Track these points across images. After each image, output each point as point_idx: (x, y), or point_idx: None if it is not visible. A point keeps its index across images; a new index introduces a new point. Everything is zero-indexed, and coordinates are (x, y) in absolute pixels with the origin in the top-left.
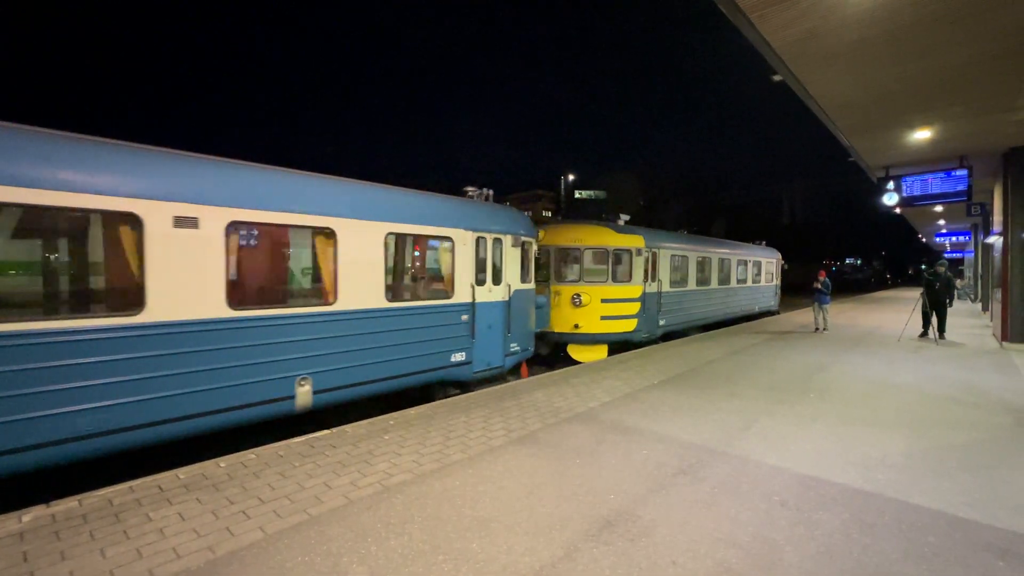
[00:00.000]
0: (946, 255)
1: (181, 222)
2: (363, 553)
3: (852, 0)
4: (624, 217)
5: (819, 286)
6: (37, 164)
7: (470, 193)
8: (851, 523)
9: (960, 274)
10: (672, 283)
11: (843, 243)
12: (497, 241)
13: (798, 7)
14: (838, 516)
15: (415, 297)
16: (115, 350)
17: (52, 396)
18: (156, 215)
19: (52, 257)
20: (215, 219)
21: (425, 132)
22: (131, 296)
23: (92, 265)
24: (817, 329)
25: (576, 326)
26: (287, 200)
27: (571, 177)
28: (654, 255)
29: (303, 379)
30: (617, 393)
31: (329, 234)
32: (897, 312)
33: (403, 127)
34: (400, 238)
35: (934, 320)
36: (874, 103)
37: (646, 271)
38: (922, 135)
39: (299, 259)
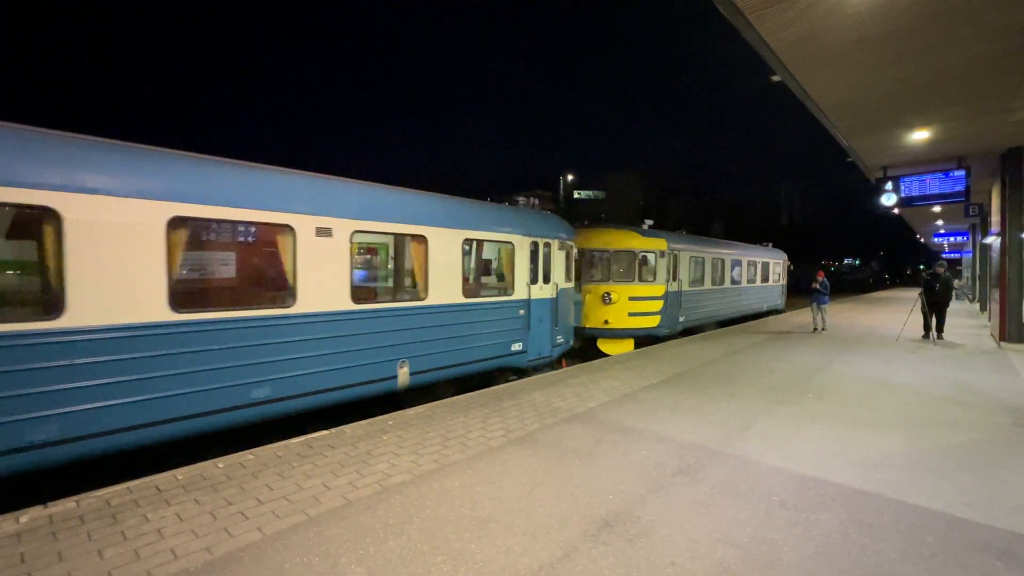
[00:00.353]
0: (944, 255)
1: (321, 232)
2: (361, 554)
3: (850, 1)
4: (648, 222)
5: (817, 286)
6: (243, 192)
7: (520, 201)
8: (850, 523)
9: (958, 274)
10: (691, 283)
11: (841, 243)
12: (547, 245)
13: (796, 8)
14: (837, 516)
15: (483, 294)
16: (278, 335)
17: (243, 370)
18: (305, 226)
19: (236, 261)
20: (343, 229)
21: (423, 131)
22: (287, 292)
23: (264, 267)
24: (816, 329)
25: (606, 322)
26: (393, 212)
27: (570, 177)
28: (675, 257)
29: (403, 363)
30: (616, 393)
31: (422, 240)
32: (895, 312)
33: (401, 126)
34: (473, 243)
35: (933, 321)
36: (872, 104)
37: (668, 272)
38: (920, 136)
39: (401, 261)
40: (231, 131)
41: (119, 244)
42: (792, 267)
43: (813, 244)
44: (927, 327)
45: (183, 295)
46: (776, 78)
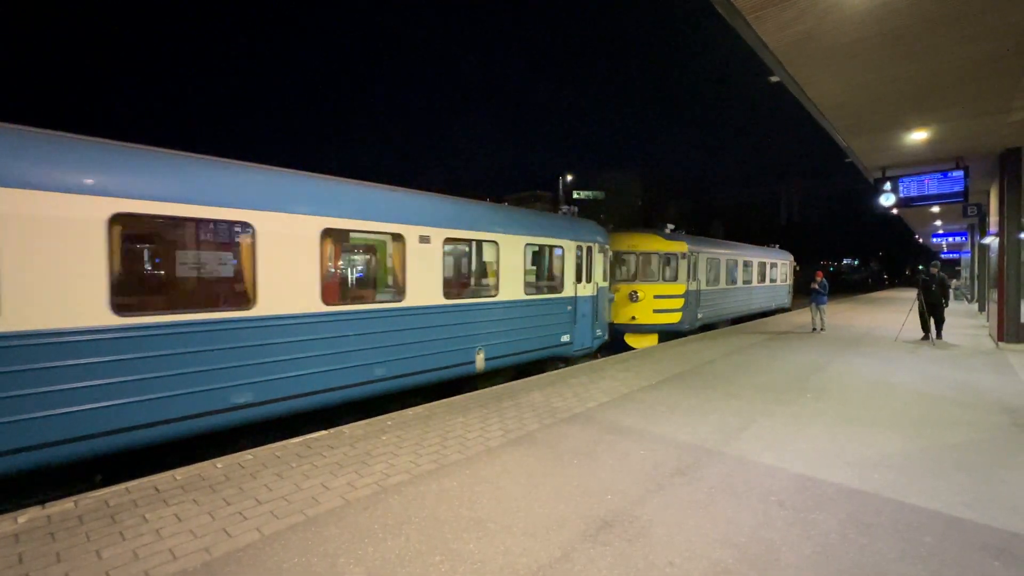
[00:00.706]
0: (943, 255)
1: (423, 239)
2: (360, 554)
3: (849, 2)
4: (669, 226)
5: (816, 287)
6: (378, 208)
7: (563, 210)
8: (848, 523)
9: (957, 275)
10: (708, 283)
11: (840, 243)
12: (589, 248)
13: (795, 8)
14: (835, 516)
15: (540, 291)
16: (394, 325)
17: (366, 353)
18: (411, 235)
19: (368, 263)
20: (438, 237)
21: (422, 131)
22: (400, 289)
23: (384, 269)
24: (814, 329)
25: (633, 318)
26: (472, 222)
27: (569, 177)
28: (695, 259)
29: (479, 350)
30: (615, 394)
31: (494, 244)
32: (894, 312)
33: (400, 126)
34: (532, 247)
35: (932, 322)
36: (871, 104)
37: (688, 272)
38: (919, 136)
39: (479, 262)
40: (231, 131)
41: (291, 252)
42: (799, 268)
43: (812, 244)
44: (926, 328)
45: (327, 292)
46: (775, 78)
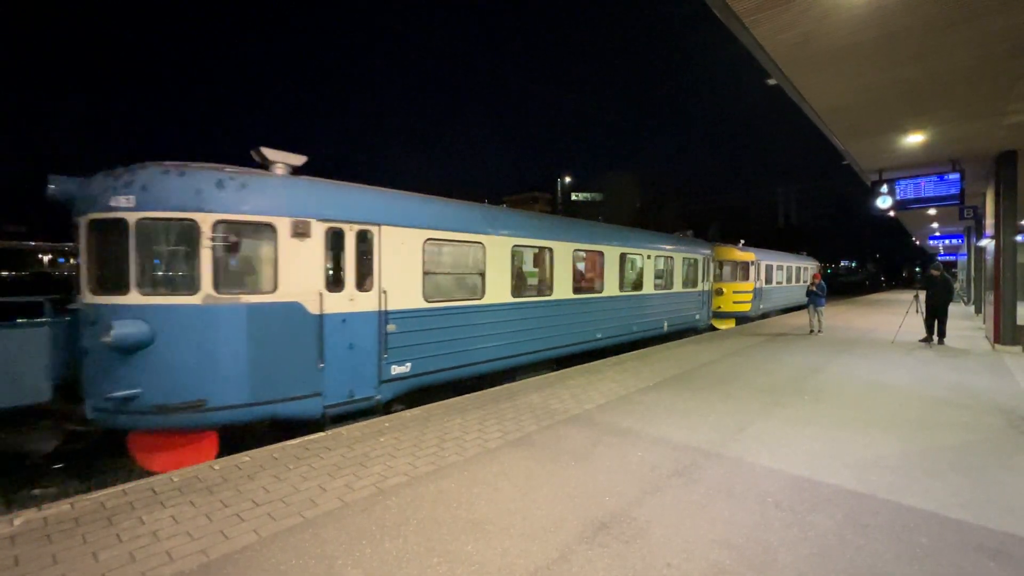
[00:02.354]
0: (940, 257)
1: (559, 249)
2: (358, 556)
3: (845, 5)
4: (742, 241)
5: (814, 288)
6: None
7: (689, 233)
8: (845, 524)
9: (954, 276)
10: (766, 282)
11: (838, 245)
12: (706, 259)
13: (791, 12)
14: (832, 517)
15: (684, 287)
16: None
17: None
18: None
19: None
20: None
21: (421, 133)
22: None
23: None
24: (812, 331)
25: (718, 307)
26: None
27: (567, 179)
28: (759, 265)
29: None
30: (612, 395)
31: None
32: (891, 314)
33: (400, 128)
34: (665, 259)
35: (935, 324)
36: (867, 107)
37: (755, 275)
38: (915, 139)
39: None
40: (228, 131)
41: (563, 261)
42: (824, 269)
43: (810, 246)
44: (930, 331)
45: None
46: (772, 81)
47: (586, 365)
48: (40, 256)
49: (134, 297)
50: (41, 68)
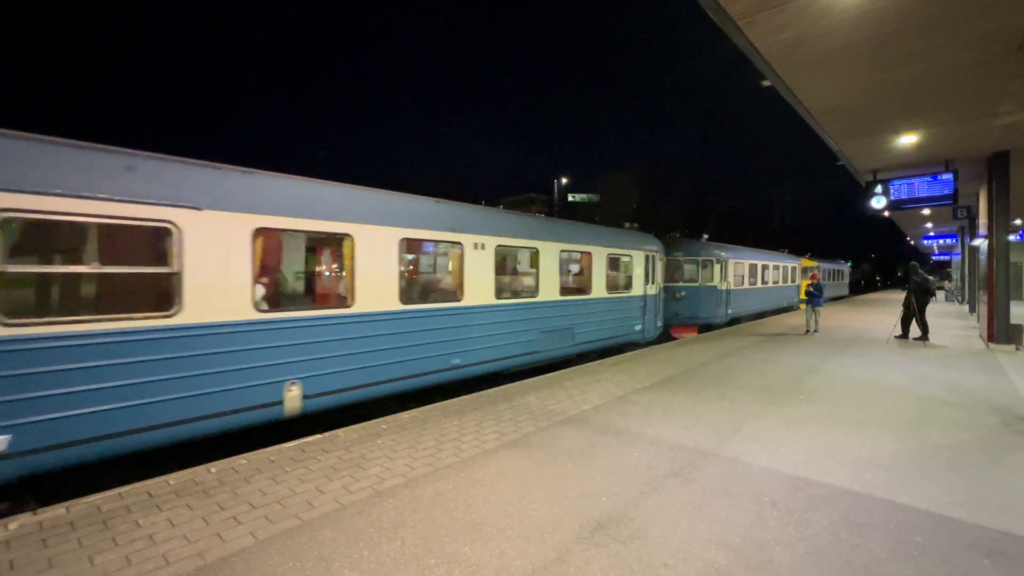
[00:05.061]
0: (934, 257)
1: (583, 254)
2: (355, 558)
3: (838, 7)
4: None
5: (812, 289)
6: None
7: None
8: (840, 523)
9: (948, 276)
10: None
11: (834, 245)
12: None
13: (785, 14)
14: (827, 516)
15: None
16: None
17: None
18: (599, 252)
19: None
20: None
21: (418, 133)
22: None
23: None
24: (808, 331)
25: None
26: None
27: (564, 180)
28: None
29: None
30: (609, 396)
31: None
32: (886, 314)
33: (395, 128)
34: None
35: (915, 322)
36: (861, 109)
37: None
38: (908, 140)
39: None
40: (225, 132)
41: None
42: (853, 268)
43: (806, 246)
44: (905, 328)
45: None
46: (767, 83)
47: (584, 366)
48: None
49: None
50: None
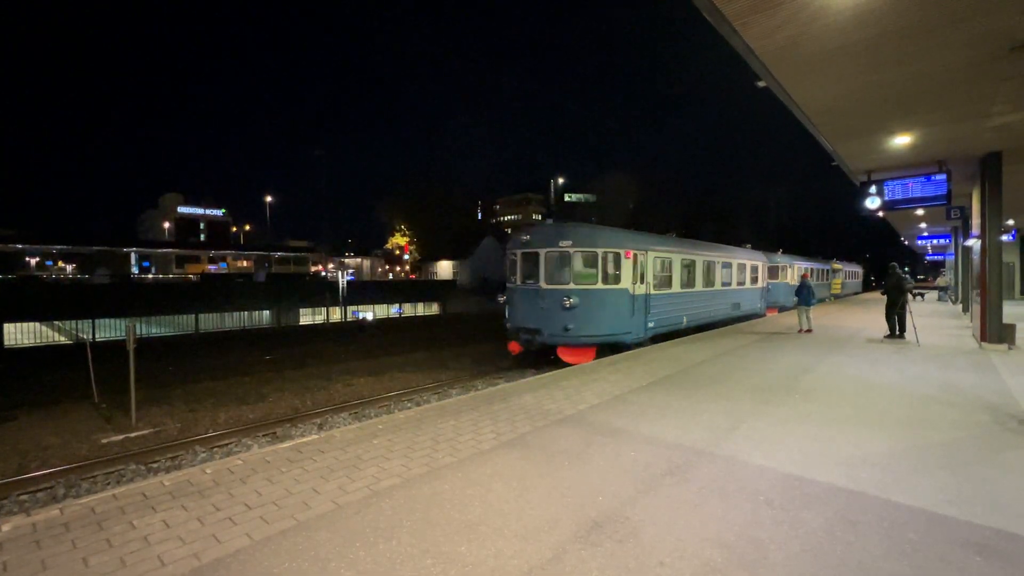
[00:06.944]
0: (928, 257)
1: (778, 267)
2: (351, 558)
3: (832, 9)
4: (836, 258)
5: (803, 288)
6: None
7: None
8: (835, 521)
9: (941, 275)
10: (842, 279)
11: (828, 245)
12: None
13: (780, 15)
14: (822, 514)
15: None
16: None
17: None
18: (762, 263)
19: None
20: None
21: (415, 134)
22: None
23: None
24: (802, 331)
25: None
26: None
27: (561, 180)
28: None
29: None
30: (606, 395)
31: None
32: (880, 314)
33: (392, 129)
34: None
35: (896, 321)
36: (855, 109)
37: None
38: (902, 141)
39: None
40: (225, 134)
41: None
42: (864, 268)
43: (801, 246)
44: (892, 328)
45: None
46: (762, 84)
47: (580, 366)
48: (28, 260)
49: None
50: (37, 69)
